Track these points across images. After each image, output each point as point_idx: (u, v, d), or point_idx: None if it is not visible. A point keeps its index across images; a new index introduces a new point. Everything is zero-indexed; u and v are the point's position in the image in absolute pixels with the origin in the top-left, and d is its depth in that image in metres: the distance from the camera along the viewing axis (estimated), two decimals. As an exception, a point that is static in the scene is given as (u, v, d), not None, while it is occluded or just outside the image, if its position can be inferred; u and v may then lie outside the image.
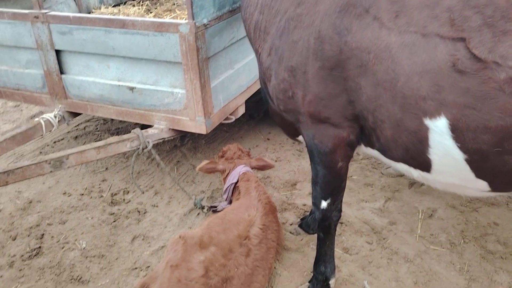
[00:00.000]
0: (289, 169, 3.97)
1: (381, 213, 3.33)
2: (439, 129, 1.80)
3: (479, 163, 1.82)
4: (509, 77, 1.63)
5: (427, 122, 1.82)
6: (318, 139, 2.25)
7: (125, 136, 3.02)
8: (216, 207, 3.25)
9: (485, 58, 1.65)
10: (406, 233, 3.11)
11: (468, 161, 1.83)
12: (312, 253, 2.88)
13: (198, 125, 3.05)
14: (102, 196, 3.66)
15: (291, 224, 3.25)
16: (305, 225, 3.14)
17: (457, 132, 1.77)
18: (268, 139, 4.52)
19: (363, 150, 2.30)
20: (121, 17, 3.02)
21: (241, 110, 3.59)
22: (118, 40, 2.99)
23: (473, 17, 1.68)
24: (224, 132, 4.69)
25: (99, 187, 3.79)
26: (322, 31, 1.98)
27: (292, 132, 2.60)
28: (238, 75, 3.36)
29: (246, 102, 3.71)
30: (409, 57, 1.79)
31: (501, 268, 2.75)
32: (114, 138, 2.98)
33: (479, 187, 1.96)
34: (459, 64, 1.69)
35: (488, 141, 1.73)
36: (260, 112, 4.93)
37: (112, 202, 3.57)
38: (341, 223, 3.20)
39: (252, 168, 3.16)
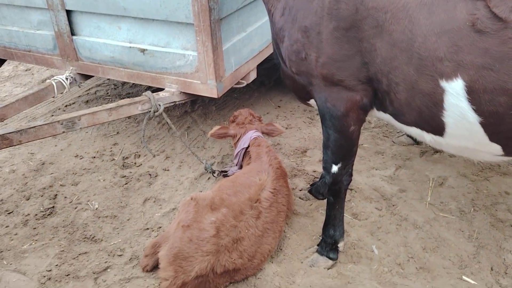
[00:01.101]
0: (300, 137, 3.96)
1: (392, 180, 3.33)
2: (455, 91, 1.77)
3: (494, 126, 1.79)
4: (530, 37, 1.57)
5: (443, 84, 1.79)
6: (330, 102, 2.22)
7: (137, 99, 3.02)
8: (226, 171, 3.28)
9: (506, 17, 1.59)
10: (416, 200, 3.11)
11: (483, 124, 1.80)
12: (321, 218, 2.91)
13: (209, 89, 3.03)
14: (113, 159, 3.70)
15: (300, 190, 3.27)
16: (314, 190, 3.16)
17: (473, 94, 1.74)
18: (279, 106, 4.50)
19: (376, 114, 2.28)
20: (132, -24, 2.96)
21: (253, 75, 3.55)
22: (129, 0, 2.94)
23: (497, -26, 1.61)
24: (234, 99, 4.67)
25: (111, 151, 3.83)
26: (338, -11, 1.92)
27: (304, 95, 2.57)
28: (251, 39, 3.31)
29: (258, 68, 3.66)
30: (427, 16, 1.73)
31: (511, 236, 2.76)
32: (126, 101, 2.98)
33: (493, 151, 1.94)
34: (478, 24, 1.64)
35: (505, 103, 1.70)
36: (271, 79, 4.89)
37: (123, 165, 3.61)
38: (351, 189, 3.22)
39: (262, 133, 3.16)
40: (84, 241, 2.88)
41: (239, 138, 3.12)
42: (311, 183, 3.32)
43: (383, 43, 1.88)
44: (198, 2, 2.70)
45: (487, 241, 2.73)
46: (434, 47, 1.74)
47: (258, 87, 4.83)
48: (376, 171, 3.44)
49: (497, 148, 1.91)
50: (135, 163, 3.65)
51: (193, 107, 4.51)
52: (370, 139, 3.88)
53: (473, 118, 1.80)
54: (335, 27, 1.97)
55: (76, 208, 3.18)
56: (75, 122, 2.76)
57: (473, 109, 1.78)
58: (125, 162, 3.65)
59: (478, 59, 1.67)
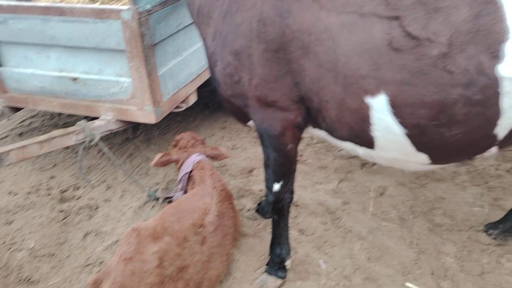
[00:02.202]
0: (246, 156, 3.97)
1: (335, 194, 3.41)
2: (379, 106, 1.85)
3: (418, 137, 1.89)
4: (442, 53, 1.69)
5: (368, 100, 1.86)
6: (267, 122, 2.25)
7: (70, 129, 2.90)
8: (171, 197, 3.21)
9: (419, 35, 1.70)
10: (359, 211, 3.20)
11: (408, 136, 1.90)
12: (269, 237, 2.90)
13: (147, 115, 2.97)
14: (50, 194, 3.51)
15: (248, 210, 3.26)
16: (261, 209, 3.16)
17: (397, 108, 1.83)
18: (224, 127, 4.50)
19: (311, 131, 2.34)
20: (58, 4, 2.88)
21: (193, 98, 3.54)
22: (57, 28, 2.85)
23: (407, -4, 1.72)
24: (178, 122, 4.62)
25: (47, 185, 3.63)
26: (264, 13, 1.97)
27: (242, 117, 2.59)
28: (188, 62, 3.31)
29: (201, 91, 3.65)
30: (348, 37, 1.81)
31: (448, 239, 2.89)
32: (59, 132, 2.85)
33: (420, 160, 2.04)
34: (395, 42, 1.74)
35: (425, 115, 1.80)
36: (215, 101, 4.89)
37: (61, 199, 3.43)
38: (297, 205, 3.25)
39: (207, 157, 3.13)
40: (20, 283, 2.68)
41: (182, 163, 3.07)
42: (258, 202, 3.32)
43: (310, 63, 1.94)
44: (128, 29, 2.67)
45: (427, 246, 2.85)
46: (357, 66, 1.82)
47: (202, 109, 4.81)
48: (320, 185, 3.51)
49: (424, 158, 2.01)
50: (74, 196, 3.49)
51: (135, 133, 4.41)
52: (313, 155, 3.96)
53: (398, 130, 1.89)
54: (264, 49, 2.02)
55: (10, 249, 2.96)
56: (2, 158, 2.59)
57: (398, 122, 1.87)
58: (63, 196, 3.47)
59: (398, 75, 1.77)
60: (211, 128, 4.48)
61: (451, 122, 1.80)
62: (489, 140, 1.91)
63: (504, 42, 1.66)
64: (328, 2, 1.84)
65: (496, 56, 1.68)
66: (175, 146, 3.19)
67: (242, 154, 4.01)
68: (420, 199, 3.31)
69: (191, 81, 3.42)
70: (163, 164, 3.07)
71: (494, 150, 2.00)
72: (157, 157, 3.02)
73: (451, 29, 1.67)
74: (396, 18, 1.73)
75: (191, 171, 3.00)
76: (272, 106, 2.18)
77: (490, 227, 2.92)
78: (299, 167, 3.75)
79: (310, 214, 3.18)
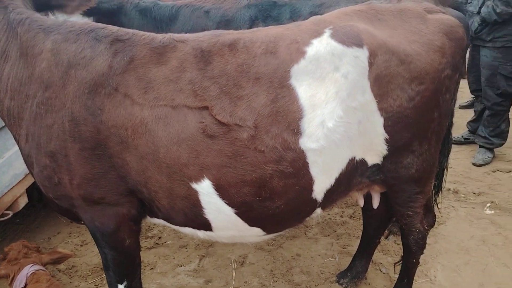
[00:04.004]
0: (98, 251, 3.64)
1: (197, 273, 3.31)
2: (205, 191, 1.89)
3: (247, 213, 1.97)
4: (251, 136, 1.82)
5: (194, 186, 1.89)
6: (98, 220, 2.11)
7: None
8: (5, 321, 2.72)
9: (228, 121, 1.82)
10: (223, 287, 3.14)
11: (238, 214, 1.96)
12: None
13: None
14: None
15: (103, 314, 2.94)
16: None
17: (221, 190, 1.89)
18: (71, 221, 4.09)
19: (151, 221, 2.26)
20: None
21: (23, 201, 3.17)
22: None
23: (212, 87, 1.85)
24: (17, 224, 4.07)
25: None
26: (75, 113, 1.90)
27: (74, 217, 2.39)
28: (11, 164, 2.98)
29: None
30: (164, 129, 1.85)
31: (308, 297, 3.00)
32: None
33: (256, 233, 2.11)
34: (208, 130, 1.82)
35: (248, 192, 1.89)
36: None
37: None
38: (157, 296, 3.06)
39: (44, 265, 2.77)
40: None
41: (13, 278, 2.66)
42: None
43: (132, 157, 1.91)
44: None
45: (289, 309, 2.90)
46: (177, 155, 1.85)
47: (45, 205, 4.34)
48: (181, 268, 3.38)
49: (258, 230, 2.09)
50: None
51: (-41, 248, 3.73)
52: (172, 235, 3.83)
53: (228, 210, 1.95)
54: (81, 148, 1.92)
55: None
56: None
57: (226, 203, 1.92)
58: None
59: (216, 159, 1.84)
60: (56, 226, 4.04)
61: (273, 195, 1.92)
62: (311, 205, 2.08)
63: (302, 119, 1.88)
64: (140, 97, 1.86)
65: (297, 132, 1.87)
66: (3, 259, 2.77)
67: (93, 249, 3.67)
68: (278, 260, 3.41)
69: (18, 182, 3.08)
70: (-10, 283, 2.62)
71: (319, 211, 2.18)
72: (-20, 275, 2.57)
73: (254, 114, 1.83)
74: (206, 108, 1.83)
75: (25, 286, 2.61)
76: (101, 203, 2.07)
77: (341, 276, 3.12)
78: (159, 251, 3.59)
79: (172, 302, 3.01)
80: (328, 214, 4.00)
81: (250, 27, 2.88)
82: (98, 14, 3.25)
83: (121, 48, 1.91)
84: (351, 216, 3.96)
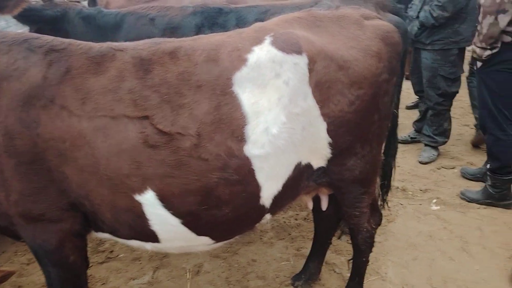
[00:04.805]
0: (46, 268, 3.48)
1: (151, 286, 3.23)
2: (149, 202, 1.86)
3: (194, 223, 1.95)
4: (193, 144, 1.81)
5: (138, 197, 1.85)
6: (39, 238, 2.02)
7: None
8: None
9: (169, 130, 1.80)
10: (178, 298, 3.09)
11: (185, 224, 1.94)
12: None
13: None
14: None
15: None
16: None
17: (166, 201, 1.86)
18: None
19: (96, 235, 2.19)
20: None
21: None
22: None
23: (152, 96, 1.82)
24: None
25: None
26: (9, 127, 1.81)
27: (14, 236, 2.28)
28: None
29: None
30: (104, 140, 1.80)
31: (264, 302, 3.01)
32: None
33: (204, 242, 2.10)
34: (149, 140, 1.79)
35: (194, 202, 1.88)
36: None
37: None
38: (109, 312, 2.96)
39: (-16, 287, 2.62)
40: None
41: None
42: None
43: (72, 170, 1.85)
44: None
45: (244, 316, 2.89)
46: (118, 166, 1.81)
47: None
48: (134, 281, 3.29)
49: (206, 239, 2.08)
50: None
51: None
52: (125, 248, 3.72)
53: (174, 221, 1.92)
54: (17, 163, 1.83)
55: None
56: None
57: (171, 213, 1.90)
58: None
59: (159, 170, 1.82)
60: (0, 245, 3.83)
61: (219, 203, 1.92)
62: (259, 211, 2.09)
63: (246, 126, 1.89)
64: (78, 108, 1.81)
65: (241, 139, 1.88)
66: None
67: (41, 266, 3.51)
68: (234, 267, 3.39)
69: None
70: None
71: (268, 216, 2.20)
72: None
73: (197, 122, 1.82)
74: (146, 117, 1.80)
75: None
76: (41, 219, 1.98)
77: (295, 279, 3.15)
78: (111, 265, 3.47)
79: (125, 317, 2.93)
80: (283, 218, 4.03)
81: (196, 35, 2.87)
82: (41, 22, 3.14)
83: (57, 58, 1.84)
84: (305, 219, 4.01)
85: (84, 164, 1.82)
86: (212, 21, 2.87)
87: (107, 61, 1.87)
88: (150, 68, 1.86)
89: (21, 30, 3.35)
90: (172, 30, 2.89)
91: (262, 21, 2.62)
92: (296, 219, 4.00)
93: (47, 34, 3.02)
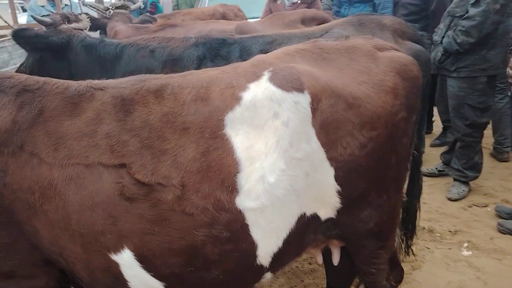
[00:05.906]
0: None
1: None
2: (127, 263, 1.62)
3: (179, 286, 1.70)
4: (176, 196, 1.58)
5: (114, 257, 1.62)
6: (12, 296, 1.81)
7: None
8: None
9: (149, 181, 1.57)
10: None
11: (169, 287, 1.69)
12: None
13: None
14: None
15: None
16: None
17: (146, 262, 1.62)
18: None
19: (76, 293, 1.97)
20: None
21: None
22: None
23: (131, 140, 1.61)
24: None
25: None
26: (-26, 176, 1.63)
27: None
28: None
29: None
30: (76, 191, 1.59)
31: None
32: None
33: (192, 307, 1.83)
34: (126, 191, 1.57)
35: (178, 263, 1.63)
36: None
37: None
38: None
39: None
40: None
41: None
42: None
43: (42, 224, 1.64)
44: None
45: None
46: (91, 222, 1.59)
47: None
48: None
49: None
50: None
51: None
52: None
53: (156, 284, 1.67)
54: (-17, 215, 1.65)
55: None
56: None
57: (152, 275, 1.65)
58: None
59: (137, 226, 1.58)
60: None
61: (208, 264, 1.66)
62: (257, 271, 1.81)
63: (238, 174, 1.64)
64: (49, 155, 1.61)
65: (232, 189, 1.63)
66: None
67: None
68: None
69: None
70: None
71: (268, 275, 1.92)
72: None
73: (181, 171, 1.59)
74: (123, 165, 1.58)
75: None
76: (13, 276, 1.77)
77: (307, 335, 2.82)
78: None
79: None
80: (296, 261, 3.71)
81: (198, 67, 2.69)
82: (46, 49, 3.07)
83: (29, 99, 1.66)
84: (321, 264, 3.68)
85: (55, 218, 1.61)
86: (215, 52, 2.68)
87: (84, 102, 1.68)
88: (132, 109, 1.66)
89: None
90: (173, 62, 2.72)
91: (268, 52, 2.41)
92: (310, 263, 3.67)
93: (50, 62, 2.91)
